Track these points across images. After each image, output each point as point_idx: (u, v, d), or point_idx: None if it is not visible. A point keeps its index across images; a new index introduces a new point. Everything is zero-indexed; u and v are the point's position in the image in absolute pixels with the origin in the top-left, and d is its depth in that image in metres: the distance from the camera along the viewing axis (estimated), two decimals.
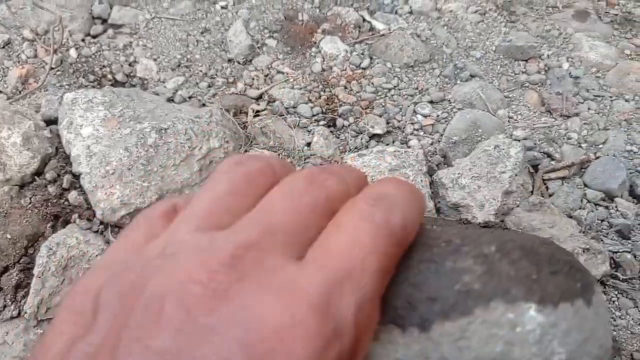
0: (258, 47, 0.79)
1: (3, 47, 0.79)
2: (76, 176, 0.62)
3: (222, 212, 0.22)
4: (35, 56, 0.78)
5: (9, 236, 0.57)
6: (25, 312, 0.53)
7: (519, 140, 0.64)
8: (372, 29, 0.81)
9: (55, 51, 0.76)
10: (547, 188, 0.62)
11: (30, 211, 0.59)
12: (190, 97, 0.73)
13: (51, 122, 0.67)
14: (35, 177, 0.62)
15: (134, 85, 0.76)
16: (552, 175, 0.63)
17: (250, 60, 0.78)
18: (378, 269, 0.21)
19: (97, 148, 0.60)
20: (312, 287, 0.19)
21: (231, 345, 0.17)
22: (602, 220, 0.59)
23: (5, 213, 0.59)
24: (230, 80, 0.75)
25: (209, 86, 0.74)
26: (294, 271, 0.20)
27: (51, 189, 0.61)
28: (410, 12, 0.84)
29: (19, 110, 0.65)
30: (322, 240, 0.21)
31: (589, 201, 0.61)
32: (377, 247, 0.21)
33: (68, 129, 0.63)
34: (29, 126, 0.62)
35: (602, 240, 0.57)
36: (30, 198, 0.60)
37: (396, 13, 0.84)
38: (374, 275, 0.21)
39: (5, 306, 0.55)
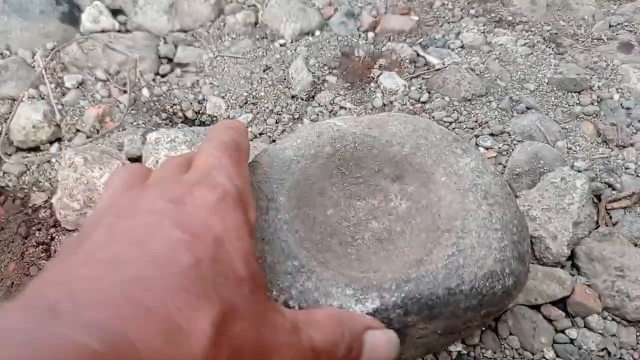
0: (319, 84, 0.83)
1: (77, 87, 0.83)
2: None
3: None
4: (109, 96, 0.82)
5: None
6: None
7: (581, 172, 0.67)
8: (426, 63, 0.85)
9: (130, 91, 0.81)
10: (610, 217, 0.65)
11: None
12: (260, 134, 0.76)
13: (134, 160, 0.71)
14: None
15: (203, 122, 0.80)
16: (615, 205, 0.66)
17: (313, 97, 0.81)
18: (229, 162, 0.36)
19: None
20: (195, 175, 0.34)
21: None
22: None
23: None
24: (296, 116, 0.79)
25: (277, 122, 0.78)
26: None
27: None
28: (462, 47, 0.88)
29: (106, 150, 0.69)
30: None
31: None
32: (222, 152, 0.36)
33: (154, 167, 0.66)
34: (117, 165, 0.66)
35: None
36: None
37: (448, 48, 0.88)
38: (230, 163, 0.36)
39: None
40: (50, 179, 0.74)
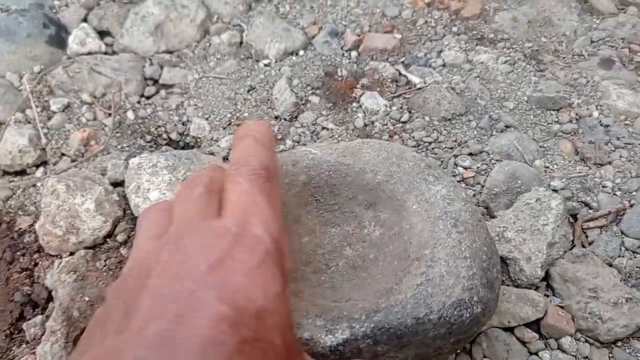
0: (302, 104, 0.84)
1: (63, 111, 0.84)
2: None
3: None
4: (95, 119, 0.83)
5: (86, 298, 0.62)
6: None
7: (557, 191, 0.68)
8: (408, 82, 0.86)
9: (115, 114, 0.82)
10: (586, 237, 0.66)
11: (105, 273, 0.64)
12: None
13: (117, 184, 0.72)
14: (107, 239, 0.67)
15: (187, 143, 0.81)
16: (591, 224, 0.66)
17: (296, 117, 0.82)
18: (264, 199, 0.35)
19: None
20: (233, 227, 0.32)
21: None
22: None
23: (83, 276, 0.63)
24: (279, 137, 0.80)
25: None
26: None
27: (123, 250, 0.66)
28: (444, 65, 0.89)
29: (88, 176, 0.70)
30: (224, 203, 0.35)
31: (627, 249, 0.64)
32: (254, 187, 0.36)
33: (136, 193, 0.67)
34: (100, 191, 0.67)
35: None
36: (104, 261, 0.65)
37: (430, 66, 0.89)
38: (266, 203, 0.35)
39: None
40: (35, 202, 0.75)
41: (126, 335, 0.26)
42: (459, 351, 0.56)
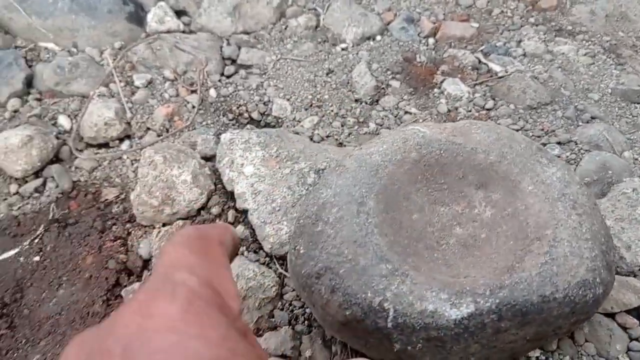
0: (383, 88, 0.84)
1: (146, 87, 0.85)
2: (239, 211, 0.67)
3: None
4: (177, 95, 0.84)
5: None
6: None
7: None
8: (489, 70, 0.86)
9: (200, 91, 0.82)
10: None
11: None
12: (327, 137, 0.78)
13: (207, 159, 0.73)
14: (200, 212, 0.68)
15: (268, 123, 0.82)
16: None
17: (377, 101, 0.83)
18: (191, 253, 0.31)
19: (261, 186, 0.65)
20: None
21: None
22: None
23: None
24: (361, 120, 0.80)
25: (342, 125, 0.79)
26: None
27: (218, 222, 0.67)
28: (524, 55, 0.89)
29: (182, 149, 0.71)
30: None
31: None
32: (179, 245, 0.31)
33: (230, 168, 0.68)
34: (195, 165, 0.68)
35: None
36: None
37: (510, 55, 0.89)
38: (191, 256, 0.31)
39: None
40: (121, 174, 0.76)
41: None
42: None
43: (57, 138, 0.79)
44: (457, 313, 0.44)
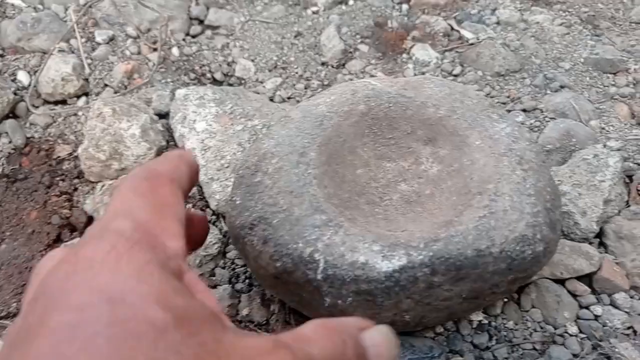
0: (351, 52, 0.82)
1: (107, 43, 0.83)
2: None
3: None
4: (139, 53, 0.82)
5: None
6: None
7: (614, 151, 0.66)
8: (460, 37, 0.84)
9: (160, 49, 0.80)
10: None
11: None
12: (289, 98, 0.76)
13: (161, 116, 0.71)
14: None
15: (231, 84, 0.79)
16: None
17: (344, 64, 0.81)
18: (134, 196, 0.30)
19: (212, 142, 0.63)
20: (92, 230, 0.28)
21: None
22: None
23: None
24: (325, 82, 0.78)
25: (305, 87, 0.77)
26: None
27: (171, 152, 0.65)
28: (498, 23, 0.86)
29: (134, 104, 0.69)
30: None
31: None
32: (127, 187, 0.31)
33: (182, 123, 0.66)
34: (145, 119, 0.66)
35: None
36: None
37: (484, 23, 0.86)
38: (133, 199, 0.30)
39: None
40: (75, 132, 0.74)
41: None
42: (507, 300, 0.55)
43: (15, 94, 0.77)
44: (389, 265, 0.42)
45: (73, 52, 0.81)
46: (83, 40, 0.82)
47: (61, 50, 0.81)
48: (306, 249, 0.44)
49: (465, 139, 0.50)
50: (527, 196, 0.45)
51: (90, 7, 0.87)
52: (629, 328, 0.53)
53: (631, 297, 0.55)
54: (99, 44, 0.82)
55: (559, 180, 0.61)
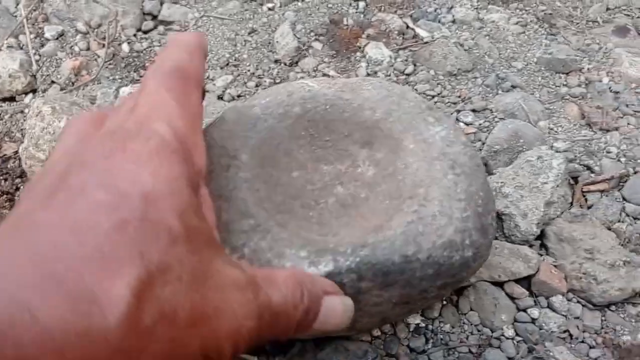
0: (304, 50, 0.81)
1: (57, 39, 0.81)
2: None
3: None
4: (88, 49, 0.80)
5: None
6: None
7: (560, 152, 0.66)
8: (415, 36, 0.83)
9: (108, 45, 0.79)
10: (586, 200, 0.64)
11: None
12: (238, 96, 0.75)
13: None
14: None
15: None
16: (592, 187, 0.64)
17: (297, 62, 0.80)
18: (170, 96, 0.33)
19: None
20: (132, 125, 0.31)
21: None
22: None
23: None
24: (277, 80, 0.77)
25: (257, 86, 0.76)
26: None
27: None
28: (453, 21, 0.86)
29: (76, 102, 0.67)
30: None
31: (628, 215, 0.62)
32: (160, 86, 0.33)
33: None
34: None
35: None
36: None
37: (439, 22, 0.86)
38: (171, 99, 0.33)
39: None
40: (22, 129, 0.73)
41: (4, 225, 0.26)
42: (445, 302, 0.55)
43: None
44: (315, 272, 0.41)
45: (22, 48, 0.80)
46: (32, 36, 0.81)
47: (10, 47, 0.80)
48: (232, 255, 0.43)
49: (400, 142, 0.50)
50: (457, 201, 0.45)
51: (41, 1, 0.85)
52: (565, 332, 0.53)
53: (568, 300, 0.55)
54: (48, 39, 0.81)
55: (502, 182, 0.60)
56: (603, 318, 0.54)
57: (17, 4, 0.86)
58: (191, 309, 0.26)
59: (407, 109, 0.52)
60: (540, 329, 0.53)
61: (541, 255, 0.58)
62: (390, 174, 0.50)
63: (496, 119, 0.71)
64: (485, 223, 0.46)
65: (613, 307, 0.55)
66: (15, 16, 0.84)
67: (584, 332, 0.53)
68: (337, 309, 0.38)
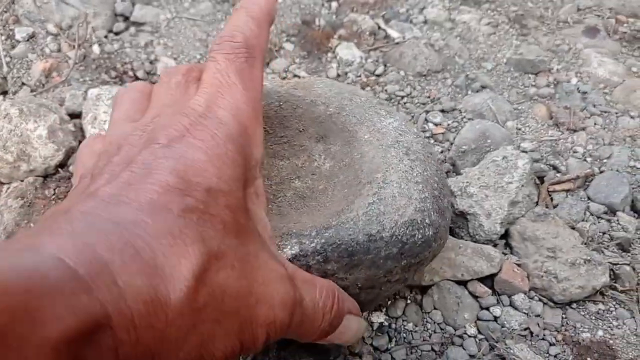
0: (276, 51, 0.81)
1: (27, 41, 0.81)
2: None
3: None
4: (59, 50, 0.80)
5: (32, 225, 0.60)
6: None
7: (526, 152, 0.67)
8: (387, 36, 0.84)
9: (79, 46, 0.79)
10: (551, 199, 0.64)
11: (53, 202, 0.62)
12: None
13: (74, 116, 0.70)
14: (59, 169, 0.65)
15: (154, 82, 0.78)
16: (557, 187, 0.65)
17: (268, 63, 0.80)
18: (238, 81, 0.34)
19: None
20: (199, 107, 0.33)
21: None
22: (604, 233, 0.61)
23: (30, 203, 0.61)
24: None
25: None
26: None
27: (75, 180, 0.64)
28: (425, 22, 0.87)
29: (44, 104, 0.67)
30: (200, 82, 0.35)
31: (592, 214, 0.63)
32: (230, 67, 0.34)
33: (92, 124, 0.65)
34: (54, 119, 0.65)
35: (602, 252, 0.60)
36: (54, 189, 0.63)
37: (411, 22, 0.86)
38: (239, 85, 0.34)
39: None
40: None
41: (81, 197, 0.28)
42: (409, 302, 0.55)
43: None
44: (281, 255, 0.42)
45: None
46: (3, 38, 0.81)
47: None
48: None
49: (355, 134, 0.51)
50: (415, 183, 0.46)
51: (12, 3, 0.85)
52: (525, 329, 0.53)
53: (530, 299, 0.55)
54: (18, 41, 0.81)
55: (467, 182, 0.61)
56: (564, 316, 0.55)
57: None
58: (237, 295, 0.29)
59: (360, 103, 0.53)
60: (502, 327, 0.54)
61: (505, 254, 0.58)
62: (347, 164, 0.50)
63: (465, 120, 0.72)
64: (442, 205, 0.47)
65: (574, 305, 0.56)
66: None
67: (544, 329, 0.54)
68: (352, 327, 0.41)
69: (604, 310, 0.56)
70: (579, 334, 0.54)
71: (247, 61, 0.35)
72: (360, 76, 0.77)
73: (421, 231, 0.44)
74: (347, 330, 0.41)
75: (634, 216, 0.63)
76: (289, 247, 0.42)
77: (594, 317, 0.55)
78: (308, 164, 0.52)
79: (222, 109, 0.32)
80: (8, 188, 0.62)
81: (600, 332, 0.54)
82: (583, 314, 0.55)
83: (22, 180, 0.64)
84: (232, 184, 0.31)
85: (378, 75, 0.77)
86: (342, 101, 0.52)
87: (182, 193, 0.28)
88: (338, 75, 0.77)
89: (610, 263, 0.58)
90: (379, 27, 0.85)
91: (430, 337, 0.53)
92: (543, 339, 0.53)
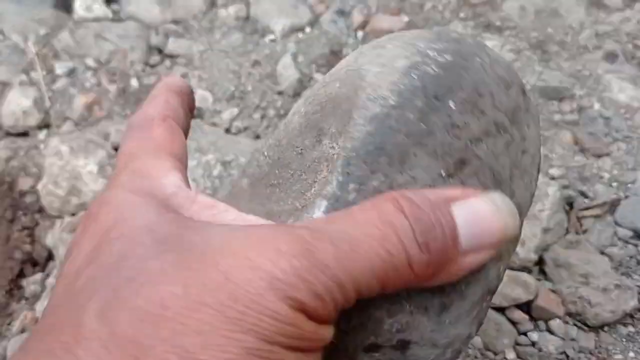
0: (306, 81, 0.84)
1: (68, 75, 0.84)
2: None
3: None
4: (99, 84, 0.83)
5: None
6: None
7: (555, 179, 0.69)
8: None
9: (118, 81, 0.82)
10: (581, 225, 0.67)
11: None
12: (245, 129, 0.78)
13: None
14: None
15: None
16: (586, 213, 0.67)
17: (299, 93, 0.83)
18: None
19: None
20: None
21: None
22: (631, 257, 0.64)
23: None
24: (282, 112, 0.80)
25: (262, 117, 0.80)
26: None
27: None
28: None
29: (92, 140, 0.70)
30: None
31: (619, 239, 0.65)
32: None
33: None
34: (103, 155, 0.68)
35: (630, 277, 0.62)
36: None
37: None
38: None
39: None
40: (37, 164, 0.76)
41: None
42: None
43: None
44: None
45: (34, 84, 0.83)
46: (44, 72, 0.84)
47: (22, 83, 0.83)
48: None
49: None
50: None
51: (51, 38, 0.88)
52: (562, 353, 0.56)
53: (565, 323, 0.58)
54: (59, 76, 0.84)
55: None
56: (597, 339, 0.58)
57: (26, 40, 0.89)
58: None
59: None
60: (540, 351, 0.56)
61: (540, 280, 0.61)
62: None
63: None
64: None
65: (606, 328, 0.58)
66: (25, 52, 0.87)
67: (579, 352, 0.56)
68: (482, 213, 0.26)
69: (633, 333, 0.58)
70: (611, 355, 0.56)
71: (140, 126, 0.34)
72: None
73: None
74: (477, 220, 0.25)
75: None
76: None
77: (624, 340, 0.58)
78: None
79: (121, 172, 0.31)
80: (62, 223, 0.65)
81: (631, 354, 0.56)
82: (615, 336, 0.58)
83: (73, 214, 0.67)
84: (149, 225, 0.26)
85: None
86: None
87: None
88: None
89: (638, 287, 0.61)
90: None
91: None
92: None
